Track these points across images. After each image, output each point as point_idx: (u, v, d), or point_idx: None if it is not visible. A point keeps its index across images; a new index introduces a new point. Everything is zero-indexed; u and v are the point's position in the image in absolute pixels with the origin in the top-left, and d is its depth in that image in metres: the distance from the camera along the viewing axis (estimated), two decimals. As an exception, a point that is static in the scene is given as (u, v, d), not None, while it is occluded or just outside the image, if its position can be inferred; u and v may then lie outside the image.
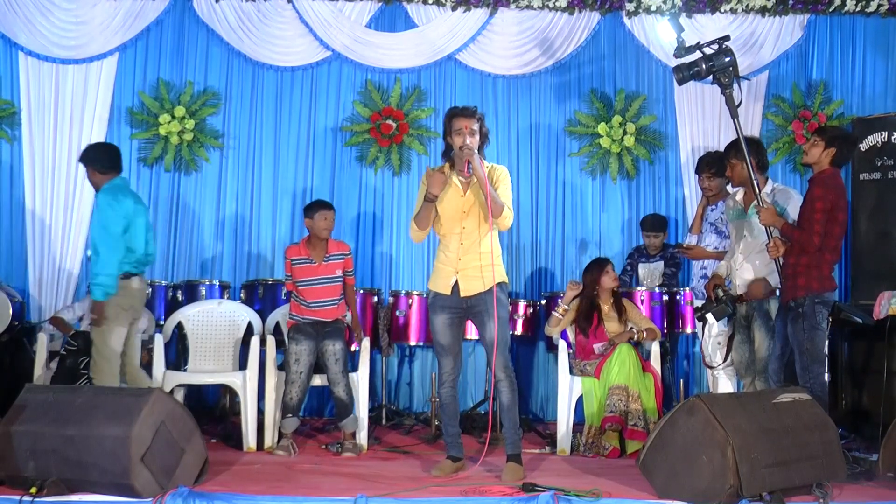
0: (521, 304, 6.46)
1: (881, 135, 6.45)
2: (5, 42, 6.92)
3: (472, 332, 5.83)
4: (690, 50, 5.04)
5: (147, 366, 5.65)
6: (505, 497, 3.90)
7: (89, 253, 5.74)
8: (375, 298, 6.42)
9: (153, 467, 3.82)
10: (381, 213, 7.21)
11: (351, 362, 6.18)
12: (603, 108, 7.26)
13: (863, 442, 5.50)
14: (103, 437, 3.82)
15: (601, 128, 7.21)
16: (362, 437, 5.51)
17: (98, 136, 6.90)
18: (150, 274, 6.79)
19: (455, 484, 4.25)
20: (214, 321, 5.92)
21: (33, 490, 3.74)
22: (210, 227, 7.11)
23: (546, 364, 7.08)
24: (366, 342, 5.82)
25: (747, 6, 7.22)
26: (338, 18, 7.16)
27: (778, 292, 4.95)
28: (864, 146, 6.49)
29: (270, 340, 5.65)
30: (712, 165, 5.80)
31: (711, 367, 5.57)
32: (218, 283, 6.46)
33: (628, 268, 6.70)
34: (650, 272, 6.52)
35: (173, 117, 6.98)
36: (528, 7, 7.21)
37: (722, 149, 5.46)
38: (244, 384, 5.51)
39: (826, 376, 4.63)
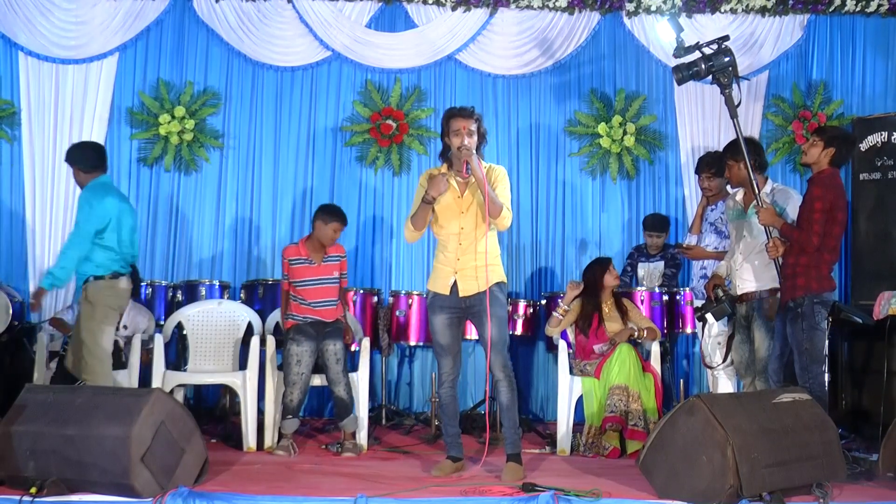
0: (521, 304, 6.46)
1: (881, 135, 6.45)
2: (5, 42, 6.92)
3: (472, 332, 5.83)
4: (690, 50, 5.05)
5: (147, 366, 5.67)
6: (505, 497, 3.90)
7: None
8: (375, 298, 6.42)
9: (153, 467, 3.82)
10: (381, 214, 7.21)
11: (351, 362, 6.18)
12: (603, 108, 7.26)
13: (863, 442, 5.50)
14: (103, 437, 3.82)
15: (601, 128, 7.22)
16: (362, 437, 5.51)
17: (98, 136, 6.90)
18: (150, 274, 6.84)
19: (455, 484, 4.26)
20: (214, 321, 5.92)
21: (33, 490, 3.74)
22: (210, 227, 7.11)
23: (546, 364, 7.08)
24: (366, 342, 5.83)
25: (747, 6, 7.22)
26: (338, 18, 7.16)
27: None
28: (863, 146, 6.49)
29: (270, 340, 5.65)
30: (712, 165, 5.80)
31: (711, 368, 5.58)
32: (218, 283, 6.46)
33: (628, 268, 6.69)
34: (650, 272, 6.52)
35: (173, 117, 6.98)
36: (528, 7, 7.21)
37: (722, 149, 5.46)
38: (244, 384, 5.51)
39: (826, 376, 4.63)
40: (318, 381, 5.56)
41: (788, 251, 4.74)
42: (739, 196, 5.19)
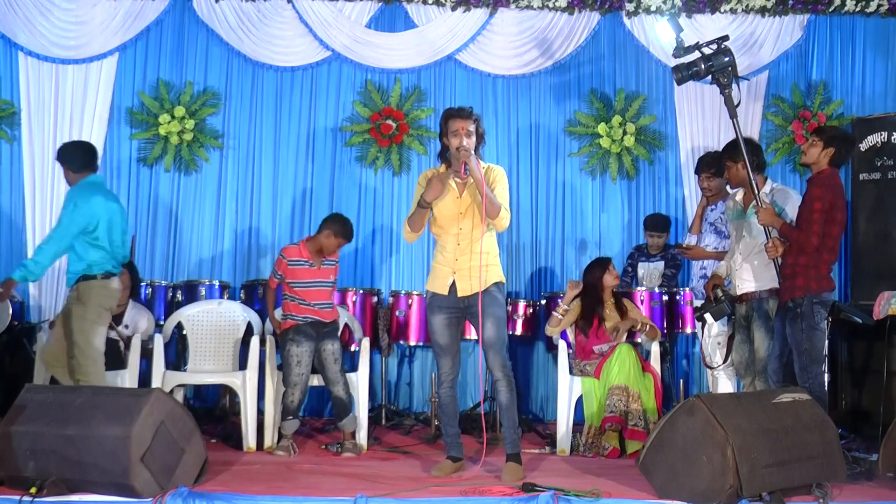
0: (521, 304, 6.46)
1: (881, 135, 6.45)
2: (5, 42, 6.92)
3: (471, 332, 5.83)
4: (689, 50, 5.05)
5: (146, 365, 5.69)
6: (505, 497, 3.90)
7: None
8: (375, 298, 6.42)
9: (153, 467, 3.82)
10: (380, 214, 7.21)
11: (350, 362, 6.19)
12: (603, 109, 7.26)
13: (863, 442, 5.50)
14: (103, 437, 3.82)
15: (601, 128, 7.22)
16: (362, 438, 5.52)
17: (98, 136, 6.90)
18: (150, 274, 6.84)
19: (455, 484, 4.26)
20: (214, 321, 5.92)
21: (33, 490, 3.74)
22: (210, 227, 7.11)
23: (546, 364, 7.08)
24: (365, 342, 5.83)
25: (747, 6, 7.22)
26: (338, 18, 7.16)
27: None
28: (863, 146, 6.49)
29: (270, 340, 5.65)
30: (712, 165, 5.80)
31: (711, 368, 5.58)
32: (218, 283, 6.46)
33: (629, 268, 6.69)
34: (649, 272, 6.52)
35: (173, 117, 6.98)
36: (528, 7, 7.21)
37: (721, 149, 5.46)
38: (244, 384, 5.51)
39: (826, 376, 4.63)
40: (316, 381, 5.56)
41: (788, 251, 4.74)
42: (739, 196, 5.19)
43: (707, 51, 4.97)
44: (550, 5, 7.19)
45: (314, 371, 5.49)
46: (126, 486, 3.76)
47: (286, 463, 4.97)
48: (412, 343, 6.41)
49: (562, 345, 5.75)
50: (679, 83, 5.15)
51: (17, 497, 3.73)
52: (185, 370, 5.87)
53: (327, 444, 5.60)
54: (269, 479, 4.38)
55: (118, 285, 5.06)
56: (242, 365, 5.74)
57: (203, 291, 6.32)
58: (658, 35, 6.99)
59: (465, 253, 4.56)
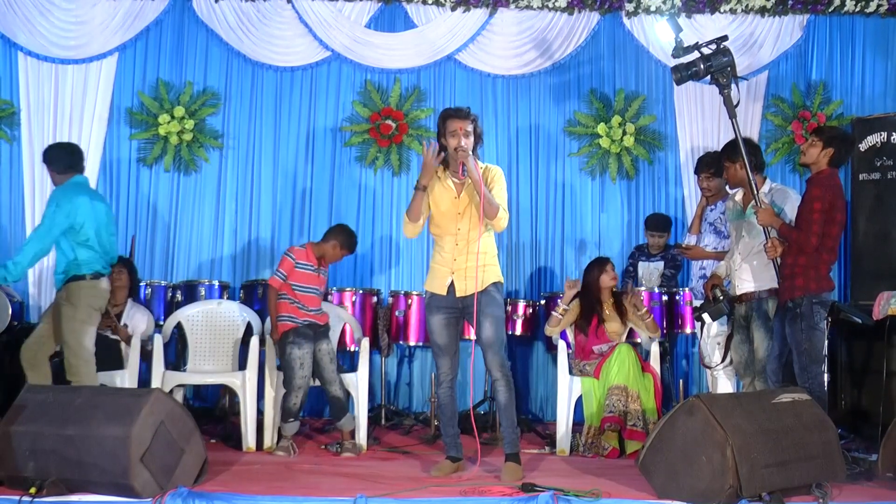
0: (521, 304, 6.46)
1: (880, 135, 6.45)
2: (5, 42, 6.92)
3: (471, 332, 5.81)
4: (688, 50, 5.05)
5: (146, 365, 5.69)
6: (504, 497, 3.90)
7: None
8: (375, 299, 6.41)
9: (153, 467, 3.82)
10: (380, 214, 7.22)
11: (350, 362, 6.19)
12: (602, 109, 7.26)
13: (862, 442, 5.50)
14: (103, 437, 3.82)
15: (601, 128, 7.22)
16: (362, 438, 5.52)
17: (97, 136, 6.91)
18: (149, 274, 6.84)
19: (454, 484, 4.26)
20: (214, 321, 5.92)
21: (33, 490, 3.74)
22: (210, 227, 7.11)
23: (545, 364, 7.08)
24: (365, 342, 5.83)
25: (747, 6, 7.22)
26: (337, 18, 7.16)
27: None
28: (863, 146, 6.50)
29: (270, 341, 5.65)
30: (711, 166, 5.80)
31: (710, 368, 5.58)
32: (218, 284, 6.45)
33: (630, 268, 6.70)
34: (650, 271, 6.51)
35: (173, 117, 6.98)
36: (528, 7, 7.21)
37: (721, 149, 5.46)
38: (244, 384, 5.51)
39: (825, 376, 4.63)
40: (315, 381, 5.56)
41: (787, 251, 4.74)
42: (739, 196, 5.19)
43: (706, 51, 4.98)
44: (550, 5, 7.20)
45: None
46: (126, 486, 3.76)
47: (286, 463, 4.97)
48: (412, 343, 6.41)
49: (561, 345, 5.75)
50: (678, 83, 5.16)
51: (17, 497, 3.73)
52: (184, 370, 5.87)
53: (327, 444, 5.60)
54: (268, 479, 4.38)
55: (107, 285, 5.06)
56: (242, 365, 5.73)
57: (202, 291, 6.32)
58: (657, 35, 6.99)
59: (464, 253, 4.57)
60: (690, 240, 5.88)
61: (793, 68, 7.40)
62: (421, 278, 6.91)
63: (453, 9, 7.19)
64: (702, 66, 4.94)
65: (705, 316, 5.11)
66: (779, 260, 4.77)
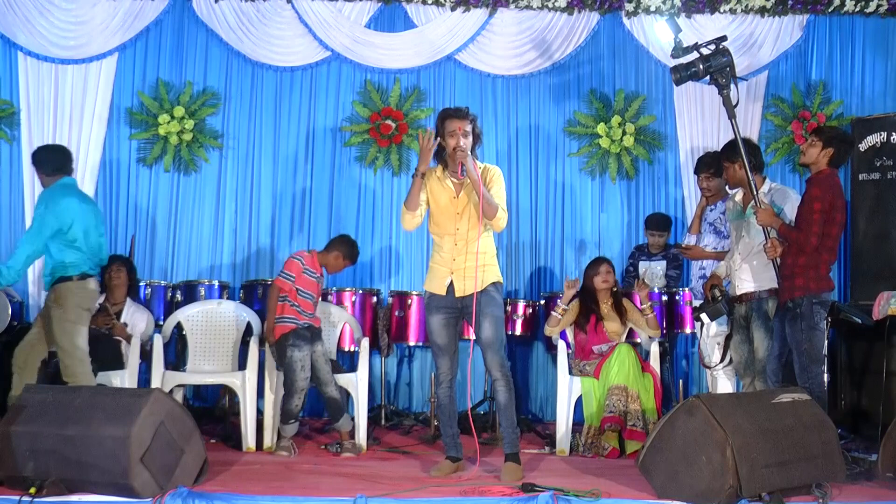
0: (521, 304, 6.46)
1: (880, 135, 6.45)
2: (4, 42, 6.92)
3: (471, 332, 5.82)
4: (688, 50, 5.06)
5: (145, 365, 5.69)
6: (504, 497, 3.90)
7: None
8: (375, 299, 6.42)
9: (152, 467, 3.82)
10: (380, 214, 7.21)
11: (350, 363, 6.19)
12: (602, 109, 7.26)
13: (862, 442, 5.51)
14: (103, 437, 3.82)
15: (600, 128, 7.22)
16: (361, 438, 5.52)
17: (97, 136, 6.91)
18: (149, 274, 6.84)
19: (454, 484, 4.26)
20: (214, 321, 5.92)
21: (33, 490, 3.75)
22: (210, 227, 7.11)
23: (545, 364, 7.08)
24: (365, 342, 5.84)
25: (746, 6, 7.22)
26: (337, 19, 7.16)
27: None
28: (863, 146, 6.49)
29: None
30: (711, 166, 5.80)
31: (709, 368, 5.58)
32: (217, 284, 6.45)
33: (630, 268, 6.70)
34: (651, 271, 6.51)
35: (172, 117, 6.98)
36: (528, 7, 7.21)
37: (720, 149, 5.46)
38: (244, 384, 5.51)
39: (825, 376, 4.64)
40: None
41: (787, 251, 4.74)
42: (739, 196, 5.20)
43: (705, 51, 4.98)
44: (550, 5, 7.19)
45: None
46: (126, 486, 3.76)
47: (286, 463, 4.97)
48: (412, 343, 6.42)
49: (561, 345, 5.75)
50: (677, 84, 5.16)
51: (17, 497, 3.73)
52: (184, 370, 5.87)
53: (327, 444, 5.60)
54: (268, 479, 4.39)
55: (95, 286, 5.07)
56: (242, 365, 5.74)
57: (202, 292, 6.32)
58: (656, 36, 6.99)
59: (463, 253, 4.57)
60: (690, 240, 5.89)
61: (793, 68, 7.40)
62: (421, 278, 6.89)
63: (453, 9, 7.19)
64: (701, 67, 4.95)
65: (703, 316, 5.12)
66: (778, 260, 4.77)
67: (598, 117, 7.27)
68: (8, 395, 4.90)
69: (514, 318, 6.39)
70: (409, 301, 6.26)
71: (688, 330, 6.20)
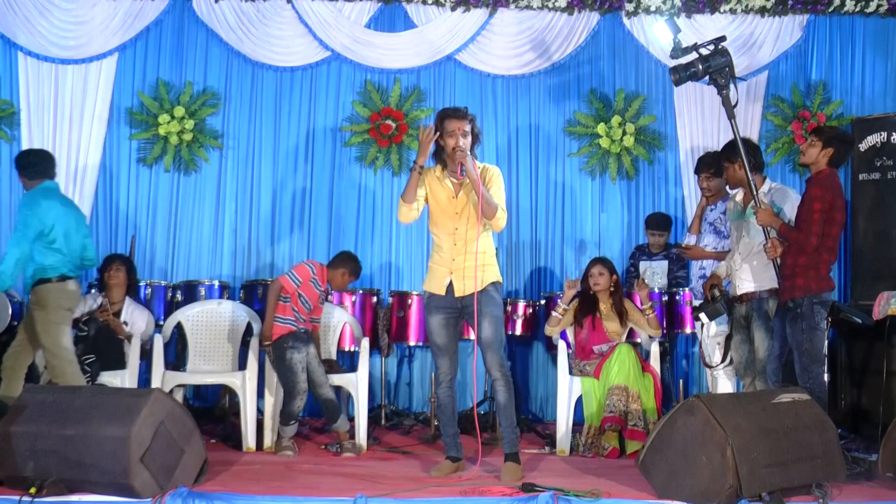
0: (521, 304, 6.46)
1: (880, 135, 6.45)
2: (4, 42, 6.92)
3: (471, 332, 5.82)
4: (687, 51, 5.06)
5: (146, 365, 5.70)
6: (504, 497, 3.90)
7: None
8: (375, 299, 6.42)
9: (153, 467, 3.82)
10: (380, 214, 7.21)
11: (350, 363, 6.19)
12: (602, 109, 7.26)
13: (862, 442, 5.51)
14: (103, 437, 3.82)
15: (600, 128, 7.22)
16: (362, 438, 5.52)
17: (97, 136, 6.91)
18: (149, 274, 6.84)
19: (454, 484, 4.26)
20: (214, 321, 5.93)
21: (33, 490, 3.75)
22: (210, 227, 7.11)
23: (545, 364, 7.08)
24: (365, 342, 5.84)
25: (747, 6, 7.22)
26: (337, 19, 7.16)
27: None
28: (863, 146, 6.49)
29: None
30: (711, 166, 5.80)
31: (710, 367, 5.58)
32: (218, 284, 6.45)
33: (631, 268, 6.70)
34: (652, 270, 6.51)
35: (173, 117, 6.98)
36: (528, 7, 7.21)
37: (720, 149, 5.47)
38: (244, 384, 5.51)
39: (825, 376, 4.64)
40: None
41: (787, 251, 4.74)
42: (739, 196, 5.20)
43: (704, 52, 4.98)
44: (550, 5, 7.19)
45: None
46: (126, 486, 3.76)
47: (286, 463, 4.97)
48: (412, 343, 6.42)
49: (561, 345, 5.76)
50: (677, 84, 5.17)
51: (17, 497, 3.73)
52: (184, 370, 5.87)
53: (327, 444, 5.60)
54: (268, 479, 4.39)
55: (75, 287, 5.10)
56: (242, 365, 5.74)
57: (203, 291, 6.32)
58: (655, 36, 6.98)
59: (462, 253, 4.57)
60: (690, 240, 5.89)
61: (793, 68, 7.39)
62: (421, 278, 6.89)
63: (453, 9, 7.19)
64: (700, 67, 4.95)
65: (702, 316, 5.12)
66: (779, 260, 4.77)
67: (598, 117, 7.27)
68: None
69: (514, 318, 6.38)
70: (409, 301, 6.26)
71: (688, 330, 6.20)
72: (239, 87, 7.18)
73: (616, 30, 7.37)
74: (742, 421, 3.86)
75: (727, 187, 5.53)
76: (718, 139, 7.01)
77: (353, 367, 5.84)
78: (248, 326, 5.91)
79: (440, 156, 4.63)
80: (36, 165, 5.18)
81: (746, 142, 5.10)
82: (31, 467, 3.89)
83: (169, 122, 6.97)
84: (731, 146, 5.02)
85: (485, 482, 4.31)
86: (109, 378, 5.47)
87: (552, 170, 7.33)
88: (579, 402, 5.60)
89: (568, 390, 5.56)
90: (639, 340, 5.92)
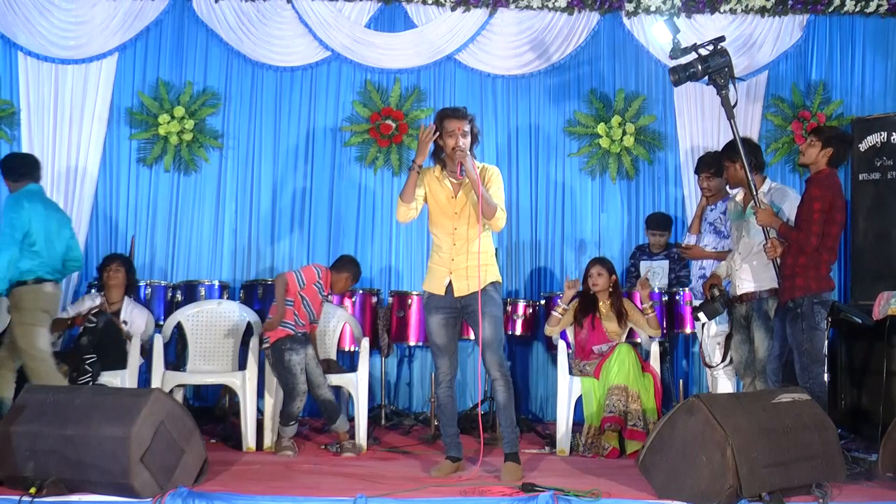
0: (521, 304, 6.46)
1: (880, 135, 6.45)
2: (5, 42, 6.92)
3: (471, 332, 5.82)
4: (686, 51, 5.07)
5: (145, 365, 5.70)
6: (504, 497, 3.90)
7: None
8: (375, 299, 6.42)
9: (153, 467, 3.82)
10: (380, 214, 7.21)
11: (350, 362, 6.19)
12: (602, 109, 7.26)
13: (862, 442, 5.51)
14: (103, 437, 3.83)
15: (600, 128, 7.22)
16: (362, 438, 5.52)
17: (97, 136, 6.91)
18: (149, 274, 6.84)
19: (454, 484, 4.26)
20: (214, 321, 5.93)
21: (33, 490, 3.75)
22: (210, 227, 7.10)
23: (545, 364, 7.08)
24: (365, 342, 5.84)
25: (747, 6, 7.21)
26: (337, 18, 7.16)
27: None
28: (863, 146, 6.49)
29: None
30: (711, 165, 5.80)
31: (711, 367, 5.58)
32: (218, 283, 6.46)
33: (632, 268, 6.70)
34: (652, 270, 6.51)
35: (173, 117, 6.98)
36: (528, 7, 7.21)
37: (721, 149, 5.47)
38: (244, 384, 5.52)
39: (825, 376, 4.64)
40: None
41: (787, 251, 4.74)
42: (739, 197, 5.20)
43: (703, 52, 4.99)
44: (550, 5, 7.19)
45: None
46: (126, 486, 3.76)
47: (286, 463, 4.97)
48: (412, 343, 6.42)
49: (561, 345, 5.76)
50: (676, 85, 5.17)
51: (17, 497, 3.74)
52: (184, 370, 5.87)
53: (327, 444, 5.60)
54: (268, 479, 4.39)
55: (53, 289, 5.13)
56: (242, 365, 5.74)
57: (203, 291, 6.32)
58: (655, 36, 6.98)
59: (461, 253, 4.57)
60: (690, 240, 5.89)
61: (793, 68, 7.39)
62: (421, 278, 6.89)
63: (453, 9, 7.19)
64: (699, 68, 4.95)
65: (700, 315, 5.13)
66: (778, 260, 4.77)
67: (598, 117, 7.27)
68: None
69: (514, 318, 6.38)
70: (409, 301, 6.26)
71: (688, 330, 6.19)
72: (239, 87, 7.18)
73: (616, 30, 7.36)
74: (742, 421, 3.86)
75: (727, 187, 5.53)
76: (718, 139, 7.01)
77: (353, 368, 5.84)
78: (249, 326, 5.92)
79: (439, 156, 4.63)
80: (19, 168, 5.24)
81: (747, 141, 5.11)
82: (31, 467, 3.89)
83: (169, 122, 6.97)
84: (732, 145, 5.02)
85: (485, 482, 4.31)
86: (109, 378, 5.47)
87: (552, 170, 7.33)
88: (579, 402, 5.60)
89: (568, 390, 5.56)
90: (639, 340, 5.92)
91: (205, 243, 7.09)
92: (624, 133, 7.22)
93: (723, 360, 5.35)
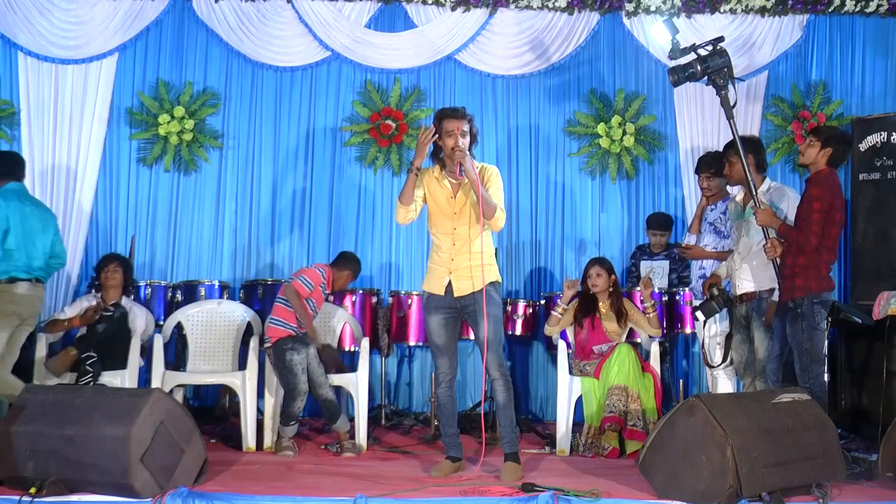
0: (521, 304, 6.46)
1: (880, 135, 6.45)
2: (5, 42, 6.91)
3: (471, 332, 5.82)
4: (685, 51, 5.07)
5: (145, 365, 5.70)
6: (504, 497, 3.90)
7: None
8: (375, 299, 6.42)
9: (153, 467, 3.82)
10: (380, 214, 7.21)
11: (350, 362, 6.19)
12: (602, 109, 7.26)
13: (862, 442, 5.52)
14: (103, 437, 3.83)
15: (600, 128, 7.22)
16: (362, 438, 5.52)
17: (97, 136, 6.90)
18: (149, 274, 6.84)
19: (454, 484, 4.26)
20: (214, 321, 5.93)
21: (33, 490, 3.75)
22: (210, 227, 7.10)
23: (545, 364, 7.08)
24: (365, 342, 5.84)
25: (746, 6, 7.21)
26: (337, 18, 7.16)
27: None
28: (863, 146, 6.49)
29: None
30: (711, 165, 5.80)
31: (711, 367, 5.58)
32: (218, 283, 6.45)
33: (632, 268, 6.70)
34: (653, 270, 6.51)
35: (173, 117, 6.98)
36: (528, 7, 7.21)
37: (721, 149, 5.47)
38: (244, 384, 5.52)
39: (825, 376, 4.64)
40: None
41: (787, 251, 4.74)
42: (739, 197, 5.21)
43: (703, 52, 4.99)
44: (550, 5, 7.19)
45: None
46: (126, 486, 3.77)
47: (286, 463, 4.97)
48: (412, 343, 6.42)
49: (561, 345, 5.76)
50: (675, 85, 5.18)
51: (17, 497, 3.74)
52: (184, 370, 5.87)
53: (327, 444, 5.60)
54: (268, 479, 4.39)
55: (26, 290, 5.15)
56: (242, 365, 5.74)
57: (203, 291, 6.32)
58: (654, 37, 6.98)
59: (461, 253, 4.58)
60: (690, 240, 5.89)
61: (792, 68, 7.39)
62: (420, 278, 6.89)
63: (453, 9, 7.19)
64: (699, 68, 4.96)
65: (698, 314, 5.14)
66: (778, 260, 4.77)
67: (598, 117, 7.27)
68: None
69: (514, 318, 6.38)
70: (409, 301, 6.26)
71: (688, 330, 6.20)
72: (239, 87, 7.18)
73: (616, 30, 7.36)
74: (742, 421, 3.86)
75: (727, 187, 5.53)
76: (718, 139, 7.01)
77: (353, 367, 5.84)
78: (249, 326, 5.92)
79: (438, 156, 4.63)
80: (3, 166, 5.26)
81: (750, 139, 5.11)
82: (31, 467, 3.89)
83: (169, 122, 6.96)
84: (735, 144, 5.01)
85: (485, 482, 4.31)
86: (109, 378, 5.47)
87: (552, 170, 7.33)
88: (579, 402, 5.60)
89: (568, 390, 5.56)
90: (639, 340, 5.92)
91: (205, 243, 7.09)
92: (624, 133, 7.22)
93: (723, 360, 5.35)
